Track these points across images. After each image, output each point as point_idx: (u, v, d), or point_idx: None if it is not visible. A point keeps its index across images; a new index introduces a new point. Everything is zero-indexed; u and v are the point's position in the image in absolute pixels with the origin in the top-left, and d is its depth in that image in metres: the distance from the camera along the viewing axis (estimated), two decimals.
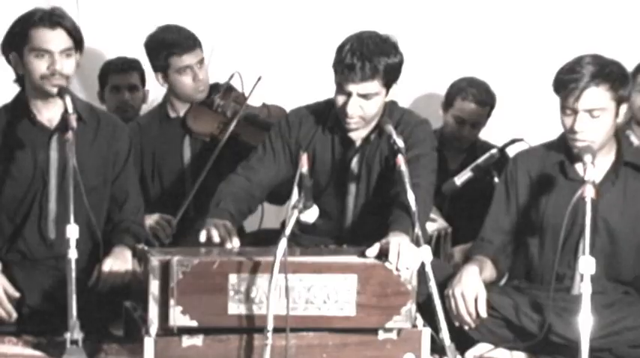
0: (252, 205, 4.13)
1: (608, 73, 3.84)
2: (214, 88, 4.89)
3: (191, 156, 4.83)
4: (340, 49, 4.01)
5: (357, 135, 4.16)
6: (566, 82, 3.84)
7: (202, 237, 3.75)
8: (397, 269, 3.52)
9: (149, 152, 4.77)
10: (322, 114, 4.18)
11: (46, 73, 3.93)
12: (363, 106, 4.03)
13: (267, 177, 4.12)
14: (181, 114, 4.84)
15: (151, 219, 4.53)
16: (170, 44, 4.73)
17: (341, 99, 4.03)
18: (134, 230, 4.10)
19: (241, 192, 4.06)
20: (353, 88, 3.98)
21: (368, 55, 3.95)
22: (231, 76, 4.89)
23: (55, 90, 3.93)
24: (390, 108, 4.15)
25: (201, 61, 4.78)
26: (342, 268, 3.52)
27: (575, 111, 3.84)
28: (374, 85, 3.99)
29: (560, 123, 3.93)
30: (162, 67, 4.78)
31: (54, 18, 3.97)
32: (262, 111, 4.90)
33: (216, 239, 3.74)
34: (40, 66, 3.94)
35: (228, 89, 4.88)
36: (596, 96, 3.83)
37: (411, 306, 3.53)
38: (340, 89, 4.02)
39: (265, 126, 4.77)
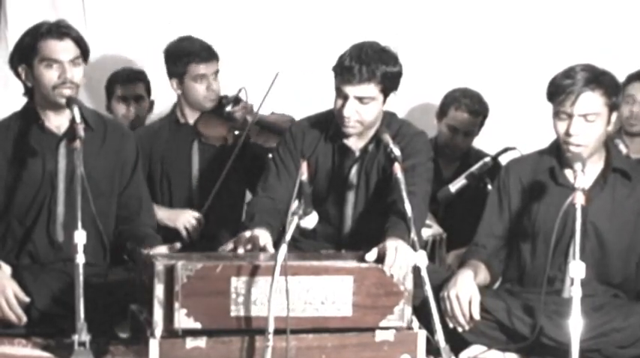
0: (282, 219, 4.12)
1: (602, 79, 3.92)
2: (222, 99, 5.00)
3: (199, 161, 4.94)
4: (341, 56, 4.12)
5: (356, 145, 4.25)
6: (562, 87, 3.90)
7: (228, 247, 3.88)
8: (392, 274, 3.60)
9: (158, 157, 4.87)
10: (324, 124, 4.27)
11: (58, 82, 4.01)
12: (360, 111, 4.11)
13: (287, 192, 4.15)
14: (191, 121, 4.95)
15: (182, 218, 4.73)
16: (191, 52, 4.89)
17: (339, 103, 4.13)
18: (151, 240, 4.10)
19: (269, 208, 4.14)
20: (350, 90, 4.07)
21: (366, 60, 4.05)
22: (239, 90, 5.01)
23: (64, 100, 4.01)
24: (389, 119, 4.25)
25: (216, 73, 4.93)
26: (338, 270, 3.59)
27: (570, 116, 3.91)
28: (370, 89, 4.08)
29: (554, 130, 3.99)
30: (179, 74, 4.91)
31: (61, 29, 4.06)
32: (271, 118, 5.01)
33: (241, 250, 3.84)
34: (51, 76, 4.03)
35: (236, 100, 5.00)
36: (591, 101, 3.90)
37: (403, 306, 3.60)
38: (338, 92, 4.12)
39: (275, 128, 4.89)
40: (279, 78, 4.85)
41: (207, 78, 4.91)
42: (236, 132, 4.89)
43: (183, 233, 4.74)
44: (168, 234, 4.60)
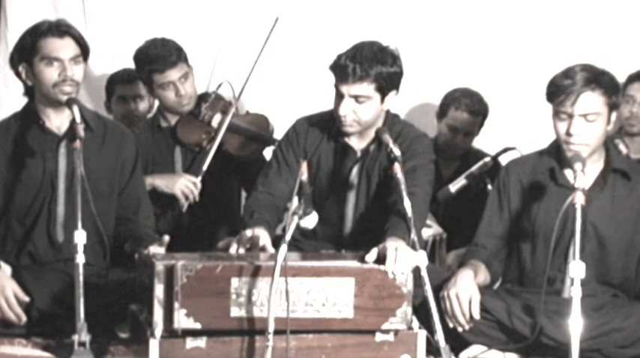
0: (280, 216, 4.21)
1: (602, 79, 3.93)
2: (203, 97, 4.96)
3: (182, 166, 4.90)
4: (339, 55, 4.15)
5: (358, 146, 4.27)
6: (562, 88, 3.91)
7: (220, 244, 3.91)
8: (393, 273, 3.60)
9: (142, 160, 4.73)
10: (326, 123, 4.29)
11: (58, 80, 4.02)
12: (356, 110, 4.14)
13: (287, 188, 4.18)
14: (172, 123, 4.91)
15: (179, 183, 4.70)
16: (152, 60, 4.77)
17: (336, 102, 4.16)
18: (150, 239, 4.09)
19: (268, 205, 4.16)
20: (345, 89, 4.11)
21: (360, 60, 4.08)
22: (220, 85, 4.97)
23: (65, 97, 4.01)
24: (392, 121, 4.27)
25: (185, 75, 4.81)
26: (340, 272, 3.59)
27: (570, 116, 3.91)
28: (364, 88, 4.10)
29: (553, 130, 3.99)
30: (147, 82, 4.86)
31: (61, 27, 4.07)
32: (245, 119, 4.98)
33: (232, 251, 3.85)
34: (51, 73, 4.03)
35: (216, 98, 4.95)
36: (591, 101, 3.91)
37: (406, 308, 3.60)
38: (336, 91, 4.16)
39: (248, 135, 4.86)
40: (278, 24, 4.85)
41: (174, 84, 4.80)
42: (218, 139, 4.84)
43: (181, 198, 4.72)
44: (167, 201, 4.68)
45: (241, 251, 3.84)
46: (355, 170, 4.27)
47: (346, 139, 4.27)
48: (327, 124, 4.29)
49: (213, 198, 4.86)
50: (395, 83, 4.18)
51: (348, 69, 4.08)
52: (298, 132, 4.32)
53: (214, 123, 4.88)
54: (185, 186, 4.73)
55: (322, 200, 4.26)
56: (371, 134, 4.22)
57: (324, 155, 4.29)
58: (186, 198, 4.73)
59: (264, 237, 3.90)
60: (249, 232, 3.90)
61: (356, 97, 4.12)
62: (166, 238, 3.88)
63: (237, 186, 5.07)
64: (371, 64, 4.08)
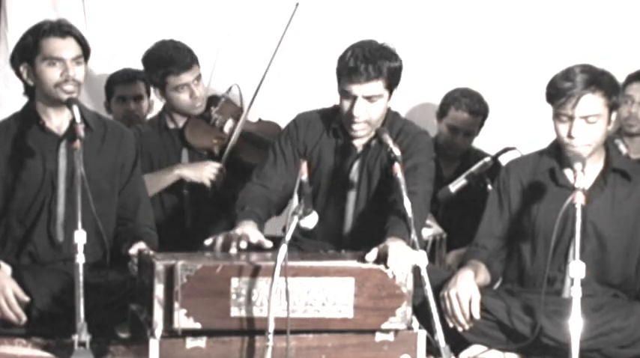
0: (272, 210, 4.22)
1: (602, 80, 3.93)
2: (212, 99, 4.95)
3: None
4: (343, 56, 4.12)
5: (359, 141, 4.26)
6: (563, 90, 3.91)
7: (208, 241, 3.88)
8: (393, 273, 3.60)
9: (148, 161, 4.79)
10: (328, 119, 4.29)
11: (60, 80, 4.03)
12: (369, 110, 4.12)
13: (282, 182, 4.20)
14: (180, 125, 4.90)
15: (205, 172, 4.75)
16: (167, 62, 4.76)
17: (347, 105, 4.13)
18: (148, 238, 4.13)
19: (261, 198, 4.16)
20: (358, 90, 4.08)
21: (370, 58, 4.06)
22: (229, 89, 4.97)
23: (66, 96, 4.02)
24: (392, 118, 4.26)
25: (198, 78, 4.82)
26: (339, 271, 3.59)
27: (571, 118, 3.91)
28: (378, 86, 4.09)
29: (554, 131, 4.00)
30: (159, 84, 4.83)
31: (63, 28, 4.08)
32: (257, 126, 4.97)
33: (218, 247, 3.85)
34: (53, 74, 4.04)
35: (226, 102, 4.94)
36: (592, 103, 3.91)
37: (405, 308, 3.61)
38: (345, 94, 4.12)
39: (260, 143, 4.86)
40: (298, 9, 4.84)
41: (188, 86, 4.80)
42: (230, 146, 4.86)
43: (208, 184, 4.76)
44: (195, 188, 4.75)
45: (233, 250, 3.81)
46: (356, 166, 4.26)
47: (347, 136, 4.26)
48: (329, 120, 4.29)
49: (215, 199, 4.85)
50: (399, 78, 4.18)
51: (359, 69, 4.05)
52: (298, 126, 4.31)
53: (226, 129, 4.89)
54: (212, 173, 4.77)
55: (322, 198, 4.26)
56: (372, 131, 4.22)
57: (325, 151, 4.28)
58: (214, 184, 4.77)
59: (254, 234, 3.88)
60: (239, 230, 3.89)
61: (369, 97, 4.10)
62: (141, 247, 3.93)
63: (238, 187, 5.07)
64: (381, 61, 4.07)
